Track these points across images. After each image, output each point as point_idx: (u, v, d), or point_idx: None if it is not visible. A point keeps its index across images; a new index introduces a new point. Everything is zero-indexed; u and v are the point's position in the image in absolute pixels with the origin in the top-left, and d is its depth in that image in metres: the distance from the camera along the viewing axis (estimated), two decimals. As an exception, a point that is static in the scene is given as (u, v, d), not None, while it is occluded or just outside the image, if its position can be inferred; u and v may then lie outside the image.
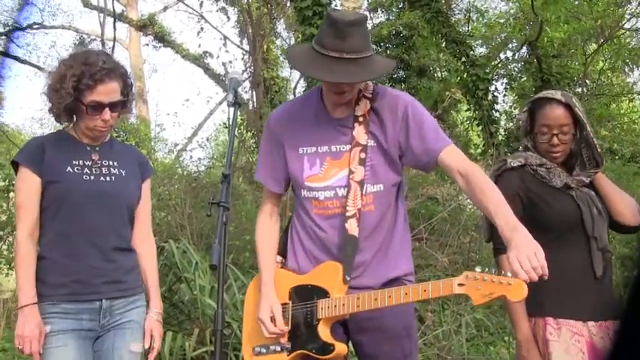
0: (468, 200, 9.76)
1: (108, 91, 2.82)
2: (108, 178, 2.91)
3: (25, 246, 2.77)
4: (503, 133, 13.63)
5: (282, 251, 2.83)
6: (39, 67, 18.45)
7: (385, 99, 2.67)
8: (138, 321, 2.92)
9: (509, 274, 2.18)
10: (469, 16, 16.78)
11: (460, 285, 2.26)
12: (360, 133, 2.62)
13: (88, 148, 2.94)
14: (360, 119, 2.64)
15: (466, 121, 16.25)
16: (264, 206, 2.90)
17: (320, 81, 2.65)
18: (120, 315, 2.87)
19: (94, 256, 2.82)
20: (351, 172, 2.59)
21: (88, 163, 2.90)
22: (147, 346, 2.93)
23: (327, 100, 2.69)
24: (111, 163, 2.95)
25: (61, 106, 2.80)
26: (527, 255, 2.15)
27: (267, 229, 2.85)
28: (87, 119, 2.85)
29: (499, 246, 2.82)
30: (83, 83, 2.77)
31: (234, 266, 6.25)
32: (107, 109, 2.83)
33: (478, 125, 13.23)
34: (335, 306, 2.53)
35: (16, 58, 16.66)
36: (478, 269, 2.25)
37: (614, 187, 2.97)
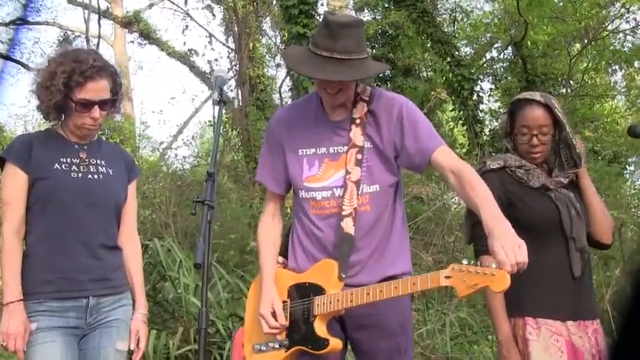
0: (453, 200, 9.80)
1: (98, 89, 2.81)
2: (96, 176, 2.90)
3: (11, 242, 2.76)
4: (488, 133, 13.70)
5: (284, 253, 2.87)
6: (22, 64, 18.29)
7: (381, 101, 2.73)
8: (124, 319, 2.92)
9: (493, 265, 2.21)
10: (454, 16, 16.84)
11: (447, 277, 2.31)
12: (356, 134, 2.68)
13: (76, 147, 2.93)
14: (357, 121, 2.70)
15: (451, 120, 16.30)
16: (265, 207, 2.95)
17: (309, 78, 2.68)
18: (106, 313, 2.87)
19: (81, 254, 2.81)
20: (347, 172, 2.65)
21: (76, 160, 2.89)
22: (132, 347, 2.93)
23: (324, 102, 2.75)
24: (99, 161, 2.95)
25: (50, 103, 2.78)
26: (513, 248, 2.19)
27: (268, 229, 2.88)
28: (76, 117, 2.84)
29: (479, 247, 2.85)
30: (73, 80, 2.76)
31: (219, 265, 6.24)
32: (97, 107, 2.82)
33: (463, 125, 13.29)
34: (330, 302, 2.58)
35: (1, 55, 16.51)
36: (465, 262, 2.29)
37: (601, 206, 2.99)
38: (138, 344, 2.95)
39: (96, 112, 2.83)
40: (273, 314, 2.66)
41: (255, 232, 2.98)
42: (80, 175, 2.86)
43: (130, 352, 2.95)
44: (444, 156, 2.62)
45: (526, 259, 2.19)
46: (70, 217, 2.80)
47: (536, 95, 2.94)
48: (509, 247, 2.19)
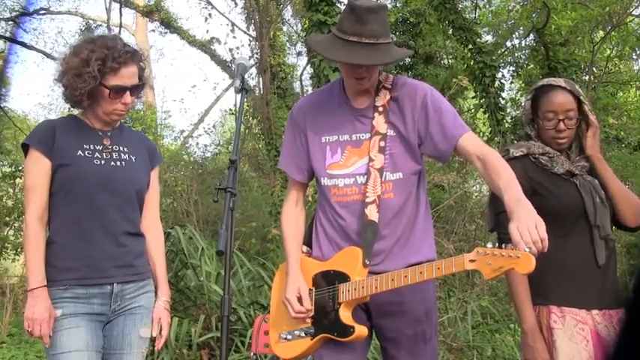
0: (474, 188, 9.76)
1: (130, 75, 2.86)
2: (118, 163, 2.91)
3: (34, 229, 2.77)
4: (509, 121, 13.59)
5: (308, 242, 2.88)
6: (46, 53, 18.43)
7: (404, 89, 2.74)
8: (147, 306, 2.94)
9: (510, 246, 2.20)
10: (476, 3, 16.70)
11: (471, 261, 2.29)
12: (379, 122, 2.68)
13: (100, 133, 2.94)
14: (380, 109, 2.70)
15: (472, 108, 16.21)
16: (288, 195, 2.96)
17: (337, 63, 2.69)
18: (130, 300, 2.89)
19: (105, 241, 2.83)
20: (370, 159, 2.66)
21: (99, 147, 2.90)
22: (155, 335, 2.95)
23: (347, 87, 2.76)
24: (121, 148, 2.96)
25: (84, 90, 2.79)
26: (528, 226, 2.18)
27: (292, 217, 2.90)
28: (107, 103, 2.86)
29: (503, 235, 2.83)
30: (107, 66, 2.79)
31: (241, 253, 6.28)
32: (128, 93, 2.87)
33: (485, 113, 13.20)
34: (355, 289, 2.58)
35: (23, 44, 16.65)
36: (490, 245, 2.28)
37: (620, 186, 2.94)
38: (160, 332, 2.96)
39: (128, 97, 2.87)
40: (299, 299, 2.67)
41: (277, 220, 3.00)
42: (103, 162, 2.88)
43: (153, 339, 2.97)
44: (470, 142, 2.62)
45: (544, 235, 2.16)
46: (93, 205, 2.82)
47: (560, 81, 2.92)
48: (524, 227, 2.18)
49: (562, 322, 2.75)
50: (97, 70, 2.77)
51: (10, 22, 15.62)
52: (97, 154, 2.88)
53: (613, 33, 14.88)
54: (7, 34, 15.61)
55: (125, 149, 2.97)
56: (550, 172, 2.87)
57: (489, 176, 2.50)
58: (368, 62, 2.56)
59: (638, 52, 16.35)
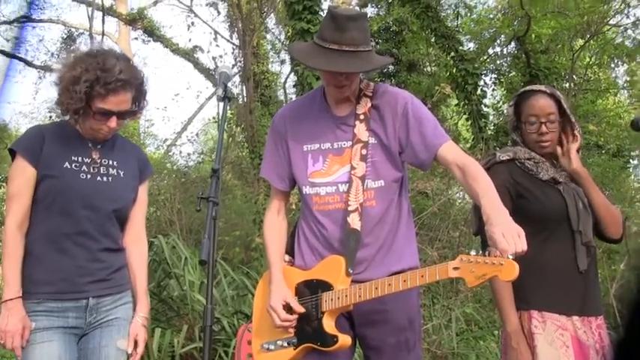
0: (458, 195, 9.79)
1: (118, 102, 2.76)
2: (105, 179, 2.86)
3: (13, 238, 2.72)
4: (492, 128, 13.69)
5: (290, 250, 2.87)
6: (27, 61, 18.32)
7: (385, 97, 2.74)
8: (125, 318, 2.89)
9: (492, 251, 2.22)
10: (458, 11, 16.80)
11: (455, 269, 2.30)
12: (361, 130, 2.69)
13: (90, 145, 2.88)
14: (362, 117, 2.71)
15: (455, 115, 16.29)
16: (270, 204, 2.95)
17: (317, 71, 2.69)
18: (106, 312, 2.84)
19: (82, 256, 2.78)
20: (352, 167, 2.66)
21: (87, 160, 2.85)
22: (129, 351, 2.87)
23: (328, 95, 2.77)
24: (110, 162, 2.90)
25: (70, 107, 2.73)
26: (513, 236, 2.20)
27: (274, 226, 2.89)
28: (92, 122, 2.79)
29: (487, 239, 2.85)
30: (95, 90, 2.70)
31: (224, 262, 6.25)
32: (114, 117, 2.78)
33: (467, 120, 13.28)
34: (338, 298, 2.58)
35: (4, 53, 16.58)
36: (473, 252, 2.29)
37: (603, 200, 2.95)
38: (135, 348, 2.89)
39: (113, 122, 2.78)
40: (287, 308, 2.66)
41: (260, 228, 2.99)
42: (89, 176, 2.82)
43: (128, 357, 2.90)
44: (450, 151, 2.63)
45: (525, 247, 2.19)
46: (74, 220, 2.77)
47: (542, 87, 2.98)
48: (510, 235, 2.20)
49: (543, 327, 2.77)
50: (84, 92, 2.69)
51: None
52: (84, 167, 2.83)
53: (591, 41, 15.05)
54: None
55: (114, 163, 2.91)
56: (535, 178, 2.90)
57: (468, 184, 2.52)
58: (347, 70, 2.57)
59: (616, 61, 16.52)
